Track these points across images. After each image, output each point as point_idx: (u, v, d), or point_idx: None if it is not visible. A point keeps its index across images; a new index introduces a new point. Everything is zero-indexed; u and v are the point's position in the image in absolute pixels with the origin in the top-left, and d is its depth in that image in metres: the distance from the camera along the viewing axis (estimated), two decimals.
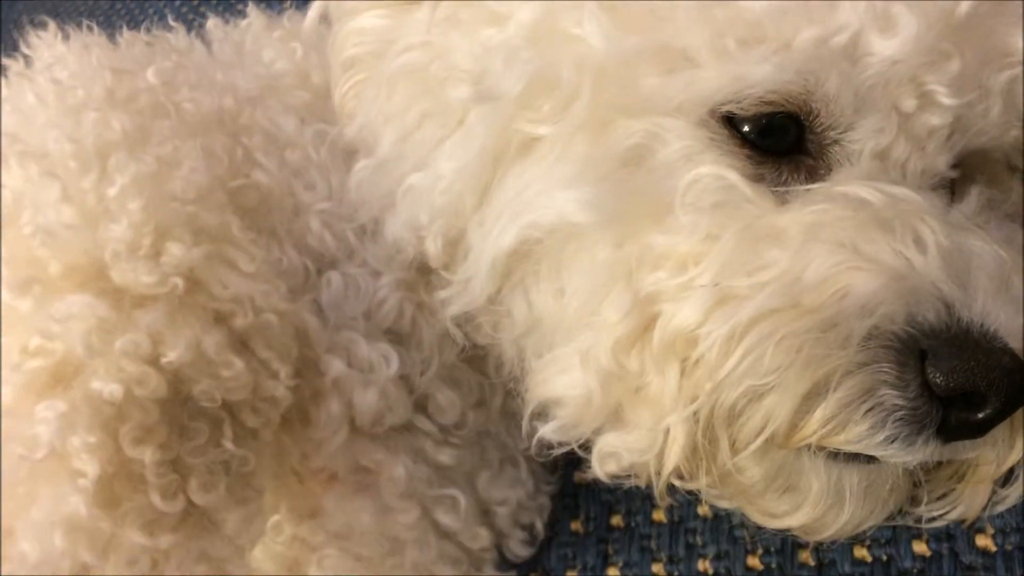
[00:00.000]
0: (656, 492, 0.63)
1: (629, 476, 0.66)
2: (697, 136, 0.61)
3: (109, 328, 0.57)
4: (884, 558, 0.73)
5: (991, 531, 0.70)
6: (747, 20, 0.58)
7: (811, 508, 0.62)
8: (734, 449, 0.59)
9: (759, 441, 0.58)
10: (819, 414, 0.56)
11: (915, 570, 0.72)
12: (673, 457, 0.60)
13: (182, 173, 0.62)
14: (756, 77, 0.59)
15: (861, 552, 0.74)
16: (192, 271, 0.61)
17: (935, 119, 0.60)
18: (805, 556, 0.76)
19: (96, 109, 0.63)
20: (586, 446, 0.66)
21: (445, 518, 0.80)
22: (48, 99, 0.65)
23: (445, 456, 0.79)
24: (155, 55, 0.74)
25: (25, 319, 0.59)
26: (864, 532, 0.64)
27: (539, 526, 0.86)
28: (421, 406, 0.78)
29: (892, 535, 0.73)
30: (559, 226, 0.63)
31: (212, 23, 0.86)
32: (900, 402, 0.56)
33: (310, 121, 0.77)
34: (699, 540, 0.80)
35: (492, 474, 0.83)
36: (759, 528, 0.67)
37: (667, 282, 0.60)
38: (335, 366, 0.71)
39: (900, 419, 0.56)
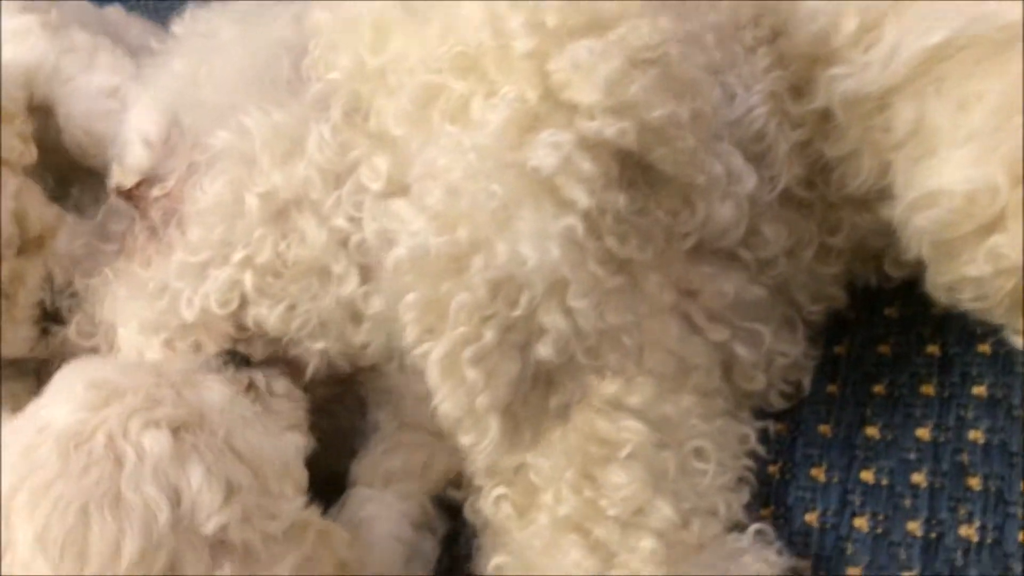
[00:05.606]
0: None
1: (979, 299, 0.68)
2: None
3: (620, 79, 0.63)
4: None
5: None
6: None
7: None
8: None
9: None
10: None
11: None
12: None
13: None
14: None
15: None
16: None
17: None
18: None
19: None
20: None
21: (743, 351, 0.85)
22: None
23: (757, 291, 0.84)
24: None
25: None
26: None
27: (806, 383, 0.90)
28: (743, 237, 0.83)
29: None
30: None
31: None
32: None
33: None
34: (970, 415, 0.83)
35: (776, 327, 0.87)
36: None
37: None
38: (716, 168, 0.76)
39: None
